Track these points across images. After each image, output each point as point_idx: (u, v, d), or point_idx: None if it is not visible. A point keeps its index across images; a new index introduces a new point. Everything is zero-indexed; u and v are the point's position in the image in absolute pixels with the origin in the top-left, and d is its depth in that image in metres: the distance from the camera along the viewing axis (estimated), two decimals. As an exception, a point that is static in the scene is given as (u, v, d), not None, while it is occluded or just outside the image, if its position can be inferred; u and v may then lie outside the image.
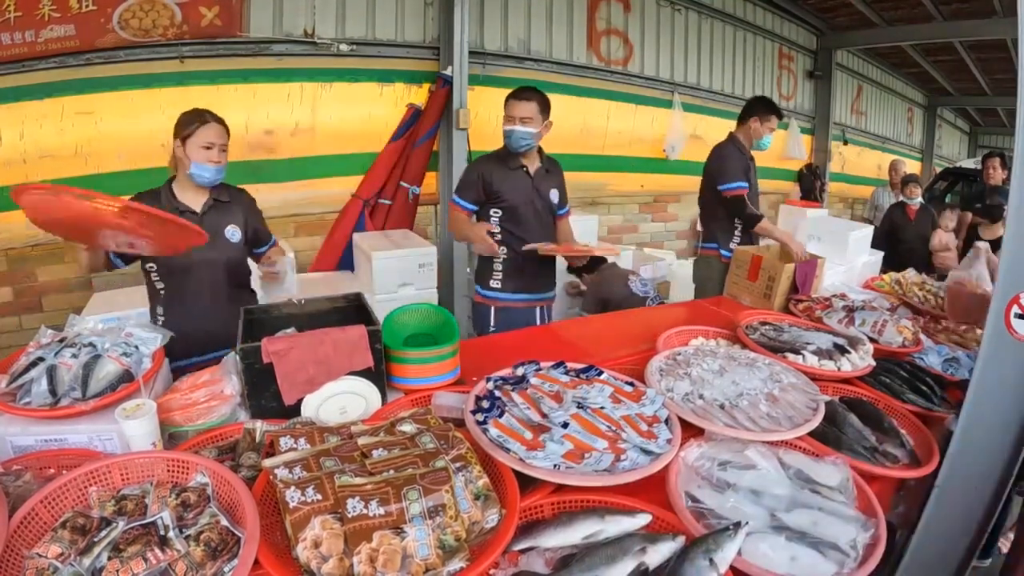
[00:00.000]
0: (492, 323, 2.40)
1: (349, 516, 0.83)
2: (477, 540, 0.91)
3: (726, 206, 2.71)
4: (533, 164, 2.30)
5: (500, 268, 2.36)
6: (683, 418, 1.26)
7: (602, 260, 3.33)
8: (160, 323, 1.81)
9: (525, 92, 2.18)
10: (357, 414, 1.32)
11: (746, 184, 2.68)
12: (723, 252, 2.78)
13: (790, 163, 7.03)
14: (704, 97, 5.77)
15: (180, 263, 1.75)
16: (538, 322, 2.44)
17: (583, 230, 3.45)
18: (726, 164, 2.72)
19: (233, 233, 1.86)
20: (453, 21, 3.71)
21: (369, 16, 3.69)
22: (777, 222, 3.57)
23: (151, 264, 1.79)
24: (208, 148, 1.73)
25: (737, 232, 2.77)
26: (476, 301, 2.46)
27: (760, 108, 2.77)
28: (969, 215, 4.49)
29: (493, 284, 2.37)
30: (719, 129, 5.94)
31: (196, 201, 1.81)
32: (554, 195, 2.36)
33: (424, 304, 1.74)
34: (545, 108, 2.20)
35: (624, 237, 5.40)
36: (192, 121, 1.73)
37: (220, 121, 1.78)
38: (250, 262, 2.00)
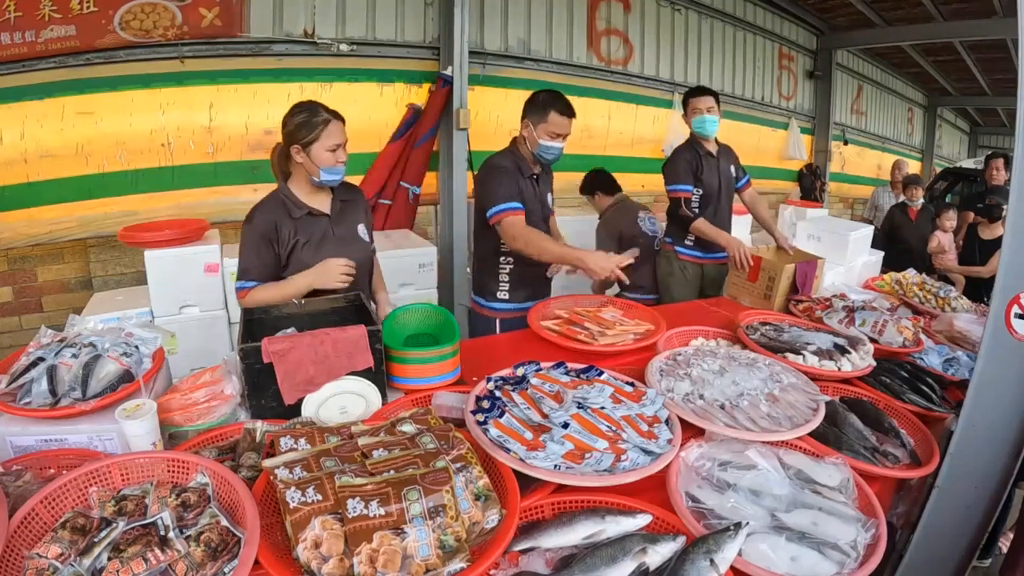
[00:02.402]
0: (497, 333, 2.29)
1: (349, 516, 0.83)
2: (477, 540, 0.91)
3: (672, 205, 2.78)
4: (531, 170, 2.20)
5: (507, 279, 2.24)
6: (683, 418, 1.26)
7: None
8: None
9: (571, 109, 2.07)
10: (357, 414, 1.32)
11: (687, 187, 2.72)
12: (677, 249, 2.86)
13: (790, 163, 7.03)
14: (704, 97, 5.76)
15: None
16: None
17: (583, 230, 3.45)
18: (670, 166, 2.78)
19: (364, 232, 1.80)
20: (453, 21, 3.71)
21: (369, 16, 3.69)
22: (777, 222, 3.57)
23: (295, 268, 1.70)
24: (334, 150, 1.64)
25: (689, 238, 2.82)
26: (478, 312, 2.33)
27: (685, 99, 2.80)
28: (971, 215, 4.48)
29: (500, 295, 2.25)
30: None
31: (324, 202, 1.73)
32: (549, 197, 2.33)
33: (424, 304, 1.74)
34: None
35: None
36: (313, 125, 1.62)
37: (338, 116, 1.67)
38: None
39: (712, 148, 2.80)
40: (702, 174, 2.76)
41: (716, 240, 2.60)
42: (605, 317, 1.88)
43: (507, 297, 2.25)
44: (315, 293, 1.65)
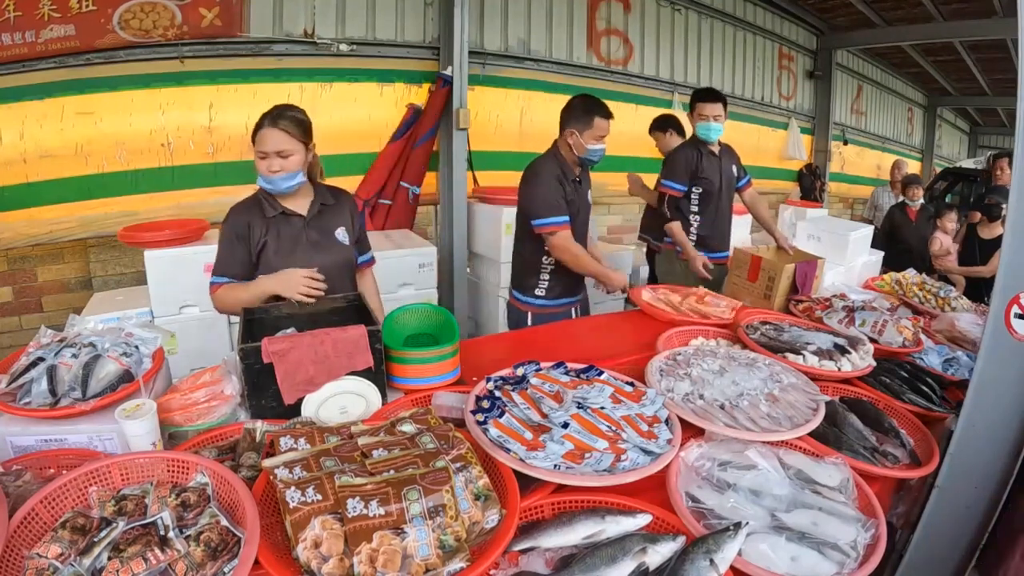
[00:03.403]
0: (529, 324, 2.44)
1: (349, 516, 0.83)
2: (477, 540, 0.91)
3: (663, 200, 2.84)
4: (578, 170, 2.32)
5: (547, 279, 2.37)
6: (683, 418, 1.26)
7: None
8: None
9: (610, 112, 2.20)
10: (357, 414, 1.32)
11: (679, 185, 2.77)
12: (678, 249, 2.87)
13: (790, 163, 7.03)
14: (704, 97, 5.77)
15: (299, 267, 1.63)
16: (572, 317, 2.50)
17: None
18: (669, 161, 2.85)
19: (343, 236, 1.77)
20: (453, 21, 3.71)
21: (369, 16, 3.68)
22: (777, 222, 3.58)
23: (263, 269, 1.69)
24: (263, 158, 1.59)
25: (692, 232, 2.86)
26: (513, 304, 2.49)
27: (691, 104, 2.82)
28: (978, 215, 4.47)
29: (538, 292, 2.38)
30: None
31: (302, 204, 1.72)
32: (589, 195, 2.40)
33: (424, 304, 1.74)
34: None
35: (624, 237, 5.40)
36: (255, 131, 1.59)
37: (277, 123, 1.57)
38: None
39: (715, 148, 2.82)
40: (703, 172, 2.78)
41: (683, 248, 2.74)
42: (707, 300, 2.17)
43: (543, 295, 2.40)
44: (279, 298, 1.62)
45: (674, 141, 3.40)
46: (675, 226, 2.77)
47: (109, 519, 0.89)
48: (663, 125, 3.61)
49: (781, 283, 2.22)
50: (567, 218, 2.21)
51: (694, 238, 2.85)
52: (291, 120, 1.59)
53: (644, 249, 3.96)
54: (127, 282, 3.21)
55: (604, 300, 3.53)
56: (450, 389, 1.41)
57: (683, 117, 5.30)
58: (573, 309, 2.50)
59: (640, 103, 5.22)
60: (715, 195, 2.81)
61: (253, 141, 1.60)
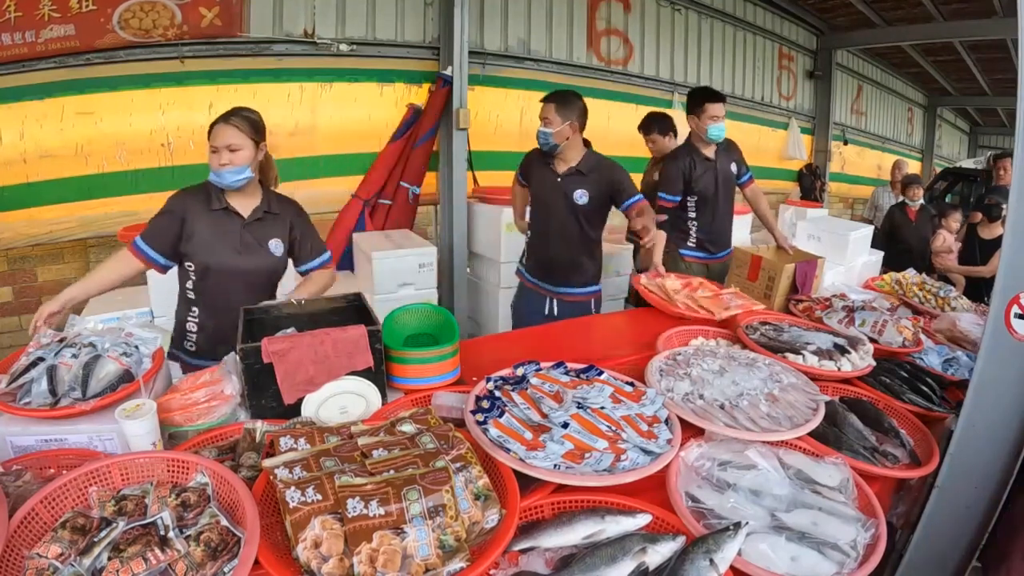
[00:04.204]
0: (515, 295, 2.69)
1: (349, 516, 0.83)
2: (477, 540, 0.91)
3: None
4: (566, 164, 2.37)
5: (525, 249, 2.60)
6: (683, 418, 1.26)
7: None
8: (191, 326, 1.77)
9: (720, 95, 2.55)
10: (357, 414, 1.32)
11: (671, 196, 2.76)
12: (681, 251, 2.89)
13: (790, 163, 7.03)
14: (704, 97, 5.77)
15: (218, 268, 1.71)
16: (546, 312, 2.52)
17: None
18: (664, 172, 2.84)
19: (277, 247, 1.79)
20: (453, 21, 3.71)
21: (369, 16, 3.69)
22: (777, 222, 3.58)
23: (189, 264, 1.73)
24: (215, 152, 1.65)
25: (691, 236, 2.86)
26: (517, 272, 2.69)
27: (692, 103, 2.79)
28: (978, 215, 4.48)
29: (524, 260, 2.61)
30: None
31: (246, 205, 1.76)
32: (579, 195, 2.35)
33: (424, 304, 1.74)
34: (564, 110, 2.30)
35: (624, 237, 5.40)
36: (213, 123, 1.67)
37: (231, 119, 1.66)
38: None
39: (710, 152, 2.80)
40: (696, 180, 2.76)
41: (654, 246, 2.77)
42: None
43: (525, 265, 2.63)
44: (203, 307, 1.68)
45: (673, 144, 3.37)
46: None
47: (109, 519, 0.89)
48: (664, 128, 3.55)
49: (781, 283, 2.22)
50: (523, 178, 2.56)
51: (693, 243, 2.85)
52: (242, 118, 1.67)
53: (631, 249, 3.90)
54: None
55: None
56: (450, 389, 1.41)
57: (682, 117, 5.32)
58: (548, 299, 2.53)
59: (640, 103, 5.22)
60: (710, 200, 2.80)
61: (209, 139, 1.66)
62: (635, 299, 3.52)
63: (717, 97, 2.72)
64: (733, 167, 2.88)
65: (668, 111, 5.39)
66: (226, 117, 1.66)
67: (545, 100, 2.33)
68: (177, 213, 1.69)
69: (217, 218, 1.71)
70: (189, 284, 1.76)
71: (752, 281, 2.35)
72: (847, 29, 6.83)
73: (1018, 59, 1.08)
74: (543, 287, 2.51)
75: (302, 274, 1.92)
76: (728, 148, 2.88)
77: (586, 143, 2.42)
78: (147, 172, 3.15)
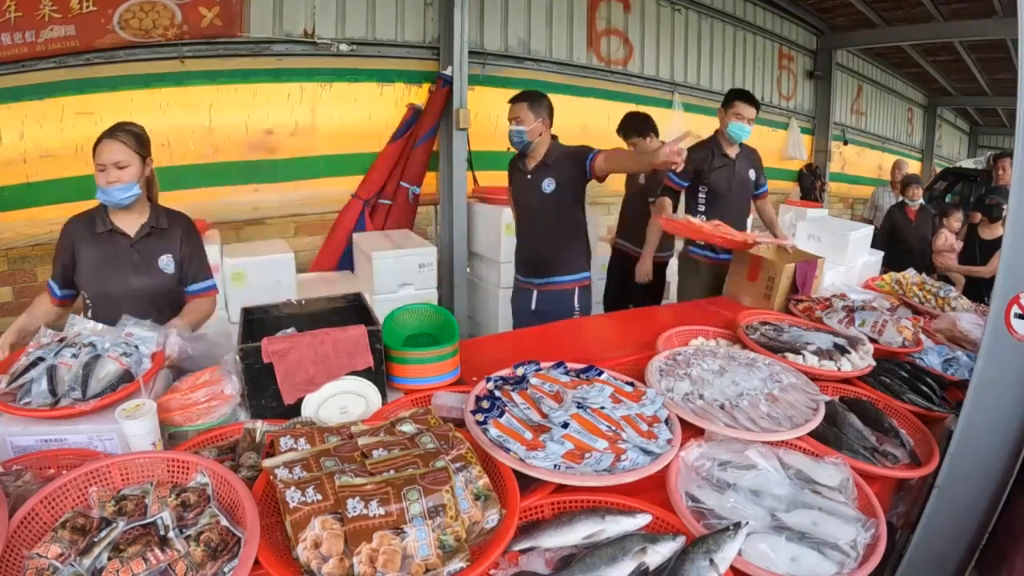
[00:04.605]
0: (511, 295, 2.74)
1: (349, 516, 0.83)
2: (477, 540, 0.91)
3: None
4: (535, 160, 2.43)
5: (515, 249, 2.66)
6: (683, 418, 1.26)
7: None
8: None
9: (517, 95, 2.39)
10: (357, 414, 1.32)
11: (680, 181, 2.79)
12: (690, 249, 2.92)
13: (790, 163, 7.03)
14: (704, 97, 5.77)
15: (110, 293, 1.66)
16: (532, 306, 2.54)
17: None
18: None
19: (167, 264, 1.73)
20: (453, 21, 3.71)
21: (369, 16, 3.68)
22: (777, 219, 3.58)
23: (84, 292, 1.70)
24: (102, 170, 1.59)
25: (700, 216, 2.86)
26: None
27: (726, 98, 2.83)
28: (978, 215, 4.49)
29: (515, 260, 2.68)
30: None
31: (132, 224, 1.70)
32: (547, 184, 2.41)
33: (424, 304, 1.74)
34: (535, 107, 2.34)
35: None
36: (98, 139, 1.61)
37: (115, 135, 1.60)
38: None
39: (732, 152, 2.82)
40: (709, 174, 2.79)
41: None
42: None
43: (514, 265, 2.72)
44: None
45: (655, 144, 3.27)
46: (661, 220, 2.62)
47: (109, 519, 0.89)
48: (643, 129, 3.31)
49: (781, 283, 2.22)
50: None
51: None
52: (128, 132, 1.63)
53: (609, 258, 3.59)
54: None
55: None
56: (450, 389, 1.41)
57: (682, 117, 5.32)
58: (534, 292, 2.56)
59: (640, 103, 5.21)
60: (722, 196, 2.80)
61: (94, 157, 1.61)
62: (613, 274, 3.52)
63: (749, 100, 2.76)
64: (752, 174, 2.90)
65: (669, 111, 5.42)
66: (112, 133, 1.61)
67: (514, 100, 2.38)
68: (67, 243, 1.66)
69: (103, 242, 1.67)
70: (89, 313, 1.69)
71: (752, 281, 2.35)
72: (847, 29, 6.83)
73: (1018, 59, 1.08)
74: (531, 283, 2.56)
75: (187, 295, 1.79)
76: (750, 155, 2.90)
77: (553, 137, 2.47)
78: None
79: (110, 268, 1.67)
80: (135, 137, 1.64)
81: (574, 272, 2.51)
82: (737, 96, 2.76)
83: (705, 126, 5.74)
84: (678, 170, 2.36)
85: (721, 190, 2.80)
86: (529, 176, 2.44)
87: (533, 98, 2.36)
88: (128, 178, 1.61)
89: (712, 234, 2.25)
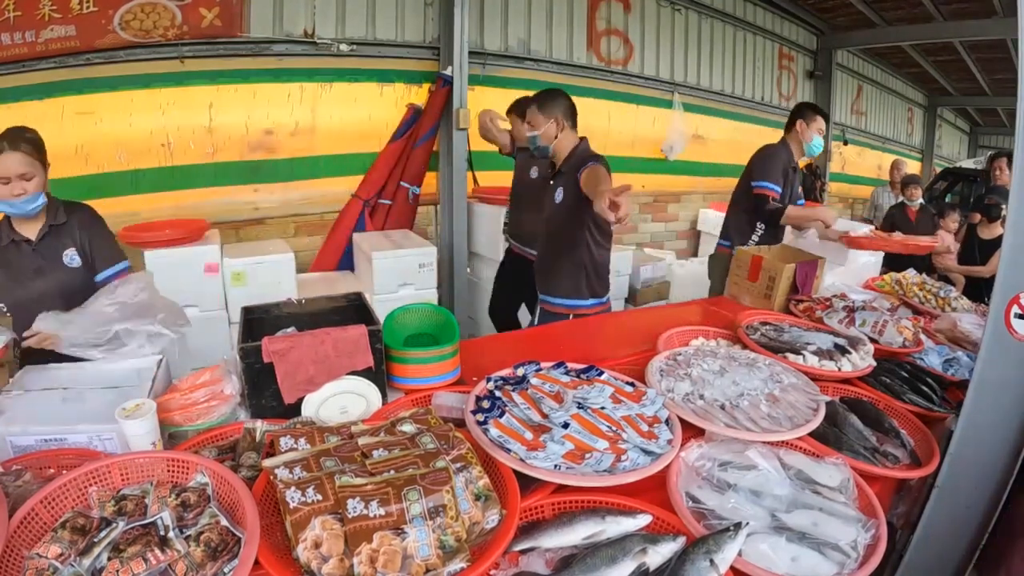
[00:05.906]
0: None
1: (349, 516, 0.83)
2: (477, 540, 0.91)
3: (752, 202, 2.77)
4: (555, 166, 2.31)
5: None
6: (683, 418, 1.26)
7: None
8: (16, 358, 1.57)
9: (530, 98, 2.30)
10: (357, 414, 1.32)
11: (778, 187, 2.73)
12: (721, 243, 2.92)
13: (790, 163, 7.01)
14: (704, 97, 5.76)
15: (21, 302, 1.58)
16: (523, 326, 2.52)
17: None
18: (767, 163, 2.78)
19: (72, 258, 1.69)
20: (453, 21, 3.71)
21: (369, 16, 3.68)
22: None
23: (3, 305, 1.61)
24: (6, 182, 1.55)
25: (755, 236, 2.82)
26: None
27: (804, 110, 2.82)
28: (978, 215, 4.49)
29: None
30: (720, 129, 5.99)
31: (32, 228, 1.66)
32: (558, 194, 2.27)
33: (424, 304, 1.74)
34: (546, 107, 2.22)
35: (624, 237, 5.40)
36: None
37: (15, 144, 1.56)
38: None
39: (798, 164, 2.86)
40: (789, 177, 2.79)
41: (810, 216, 2.81)
42: None
43: None
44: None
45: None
46: (791, 209, 2.71)
47: (109, 519, 0.89)
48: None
49: (781, 283, 2.22)
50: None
51: (756, 240, 2.82)
52: (29, 142, 1.60)
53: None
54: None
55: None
56: (450, 389, 1.41)
57: (682, 117, 5.30)
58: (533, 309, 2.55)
59: (640, 103, 5.22)
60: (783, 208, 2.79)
61: None
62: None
63: (822, 111, 2.78)
64: (800, 190, 2.93)
65: (669, 111, 5.41)
66: (13, 144, 1.56)
67: (527, 103, 2.30)
68: None
69: (8, 253, 1.65)
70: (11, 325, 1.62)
71: (752, 281, 2.35)
72: (847, 29, 6.82)
73: (1018, 59, 1.08)
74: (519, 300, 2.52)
75: (99, 284, 1.72)
76: (797, 170, 2.91)
77: (582, 139, 2.33)
78: (147, 172, 3.15)
79: (16, 280, 1.64)
80: (35, 146, 1.61)
81: (569, 296, 2.31)
82: (819, 111, 2.77)
83: (705, 126, 5.77)
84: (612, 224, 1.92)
85: (784, 202, 2.77)
86: (551, 182, 2.30)
87: (541, 98, 2.24)
88: (34, 188, 1.59)
89: (904, 243, 2.58)
